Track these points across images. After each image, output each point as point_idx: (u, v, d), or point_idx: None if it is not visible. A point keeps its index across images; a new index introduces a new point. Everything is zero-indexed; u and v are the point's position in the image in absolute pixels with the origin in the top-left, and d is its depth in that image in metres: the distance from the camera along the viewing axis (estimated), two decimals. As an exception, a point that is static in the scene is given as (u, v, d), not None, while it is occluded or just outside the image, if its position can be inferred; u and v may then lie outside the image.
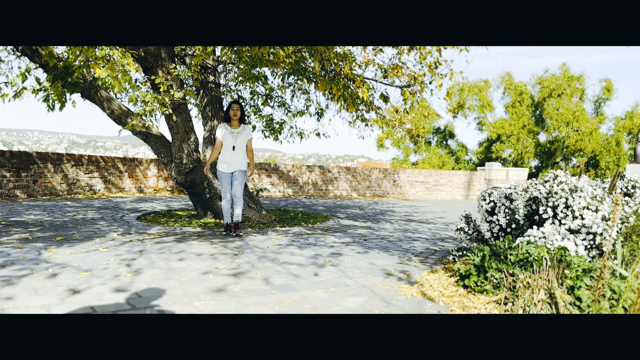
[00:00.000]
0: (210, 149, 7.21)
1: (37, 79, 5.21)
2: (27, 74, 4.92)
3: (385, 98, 6.63)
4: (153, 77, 5.93)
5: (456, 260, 4.07)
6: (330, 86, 5.88)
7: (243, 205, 6.39)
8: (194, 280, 3.29)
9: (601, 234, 3.34)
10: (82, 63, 4.78)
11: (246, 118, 7.93)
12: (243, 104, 8.34)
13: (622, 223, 3.54)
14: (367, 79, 6.99)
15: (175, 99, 5.82)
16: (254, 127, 8.04)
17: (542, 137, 29.46)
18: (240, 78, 7.54)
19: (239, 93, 8.66)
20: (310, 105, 8.60)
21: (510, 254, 3.12)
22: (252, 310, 2.66)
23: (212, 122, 7.23)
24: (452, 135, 31.64)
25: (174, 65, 6.14)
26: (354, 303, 2.89)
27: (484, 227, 4.36)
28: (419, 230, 7.04)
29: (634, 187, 4.58)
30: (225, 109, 5.74)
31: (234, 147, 5.44)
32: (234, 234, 5.49)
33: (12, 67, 6.11)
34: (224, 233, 5.56)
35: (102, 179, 11.55)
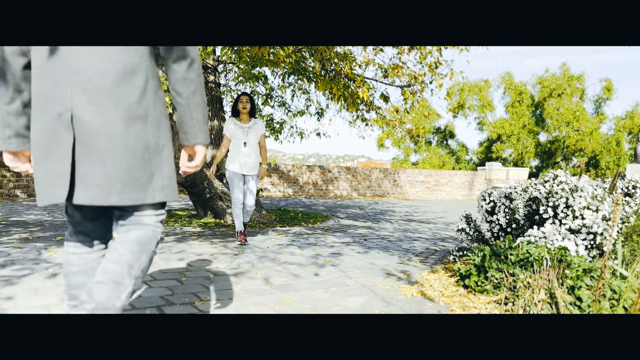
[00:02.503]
0: (212, 149, 7.20)
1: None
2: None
3: (385, 98, 6.63)
4: (153, 77, 5.92)
5: (456, 260, 4.07)
6: (331, 86, 5.88)
7: None
8: (194, 280, 3.29)
9: (602, 234, 3.34)
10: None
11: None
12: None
13: (623, 223, 3.53)
14: (367, 78, 6.99)
15: (175, 98, 5.80)
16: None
17: (543, 137, 29.47)
18: (240, 78, 7.54)
19: (239, 93, 8.66)
20: (310, 105, 8.62)
21: (511, 254, 3.12)
22: (252, 310, 2.66)
23: (213, 122, 7.24)
24: (452, 135, 31.64)
25: (174, 65, 6.13)
26: (354, 303, 2.89)
27: (484, 227, 4.36)
28: (419, 230, 7.04)
29: (634, 187, 4.58)
30: (233, 102, 5.12)
31: (245, 144, 4.83)
32: (246, 243, 4.87)
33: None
34: (237, 243, 4.83)
35: (102, 179, 11.54)
